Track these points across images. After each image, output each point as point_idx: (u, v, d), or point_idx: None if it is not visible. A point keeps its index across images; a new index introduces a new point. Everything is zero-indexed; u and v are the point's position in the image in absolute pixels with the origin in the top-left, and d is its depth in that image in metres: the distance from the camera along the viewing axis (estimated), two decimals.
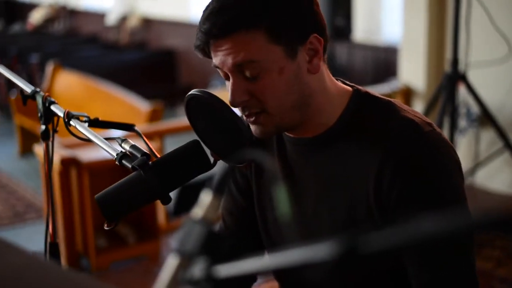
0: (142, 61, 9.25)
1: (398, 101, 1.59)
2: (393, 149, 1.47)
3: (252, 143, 1.53)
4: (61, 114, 1.78)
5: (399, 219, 1.46)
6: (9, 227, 5.23)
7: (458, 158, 1.52)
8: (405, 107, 1.57)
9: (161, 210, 4.67)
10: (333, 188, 1.57)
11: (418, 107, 5.29)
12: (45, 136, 1.89)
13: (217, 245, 0.83)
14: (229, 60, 1.46)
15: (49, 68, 7.25)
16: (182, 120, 5.12)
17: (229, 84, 1.50)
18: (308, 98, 1.52)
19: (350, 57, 6.75)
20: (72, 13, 11.84)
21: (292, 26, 1.47)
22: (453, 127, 4.44)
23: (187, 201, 5.01)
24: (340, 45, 6.64)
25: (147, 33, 10.04)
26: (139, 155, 1.53)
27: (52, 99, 1.85)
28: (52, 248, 1.94)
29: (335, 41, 6.25)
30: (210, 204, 0.87)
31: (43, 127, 1.88)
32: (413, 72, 5.35)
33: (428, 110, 4.63)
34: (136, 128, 1.83)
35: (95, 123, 1.81)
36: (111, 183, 1.52)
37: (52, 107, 1.83)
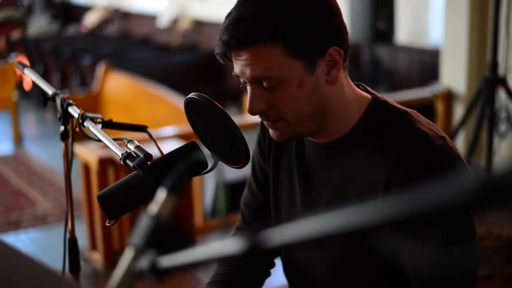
0: (193, 63, 9.34)
1: (415, 112, 1.60)
2: (402, 160, 1.47)
3: (245, 146, 1.55)
4: (76, 116, 1.86)
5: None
6: (58, 224, 5.38)
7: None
8: (421, 119, 1.57)
9: (198, 210, 4.73)
10: (344, 193, 1.59)
11: (459, 110, 5.26)
12: (64, 137, 1.97)
13: (166, 239, 0.89)
14: (247, 72, 1.49)
15: (100, 69, 7.39)
16: None
17: (248, 92, 1.54)
18: (326, 108, 1.54)
19: (392, 60, 6.74)
20: (126, 16, 12.02)
21: (311, 41, 1.48)
22: (492, 130, 4.40)
23: (226, 201, 5.08)
24: (381, 48, 6.65)
25: (198, 35, 10.13)
26: (141, 155, 1.60)
27: (70, 101, 1.92)
28: (71, 244, 2.03)
29: (377, 44, 6.25)
30: (164, 202, 0.93)
31: (62, 127, 1.96)
32: (454, 75, 5.32)
33: (467, 114, 4.61)
34: (148, 130, 1.91)
35: (108, 125, 1.89)
36: None
37: (69, 109, 1.90)
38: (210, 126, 1.58)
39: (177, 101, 5.94)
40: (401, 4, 6.45)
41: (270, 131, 1.60)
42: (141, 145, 1.65)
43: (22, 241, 5.18)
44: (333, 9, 1.52)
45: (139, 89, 6.66)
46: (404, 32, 6.65)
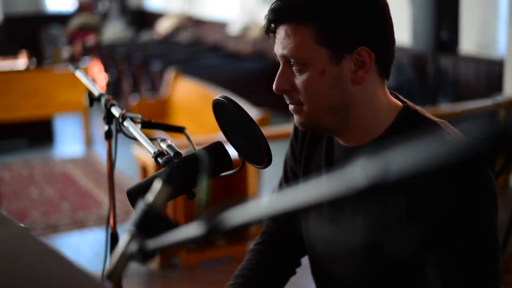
0: (261, 71, 9.39)
1: (445, 123, 1.61)
2: None
3: (267, 147, 1.59)
4: (117, 115, 1.94)
5: (431, 243, 1.50)
6: (121, 224, 5.52)
7: (495, 189, 1.51)
8: (450, 130, 1.59)
9: None
10: (368, 198, 1.62)
11: None
12: (108, 136, 2.07)
13: (158, 225, 0.96)
14: (279, 50, 1.59)
15: (170, 75, 7.54)
16: (280, 128, 5.24)
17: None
18: (349, 106, 1.59)
19: (457, 71, 6.69)
20: (198, 23, 12.21)
21: (342, 34, 1.54)
22: None
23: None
24: (446, 58, 6.60)
25: (268, 43, 10.12)
26: (172, 154, 1.67)
27: (113, 102, 2.01)
28: (113, 238, 2.13)
29: (440, 54, 6.21)
30: (159, 192, 1.00)
31: (106, 127, 2.05)
32: None
33: None
34: (185, 131, 1.99)
35: (147, 125, 1.97)
36: None
37: (112, 109, 1.99)
38: (235, 127, 1.64)
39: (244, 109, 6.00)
40: (466, 14, 6.40)
41: (294, 117, 1.66)
42: (173, 144, 1.73)
43: (87, 240, 5.35)
44: (379, 13, 1.57)
45: (207, 95, 6.76)
46: (470, 42, 6.59)
